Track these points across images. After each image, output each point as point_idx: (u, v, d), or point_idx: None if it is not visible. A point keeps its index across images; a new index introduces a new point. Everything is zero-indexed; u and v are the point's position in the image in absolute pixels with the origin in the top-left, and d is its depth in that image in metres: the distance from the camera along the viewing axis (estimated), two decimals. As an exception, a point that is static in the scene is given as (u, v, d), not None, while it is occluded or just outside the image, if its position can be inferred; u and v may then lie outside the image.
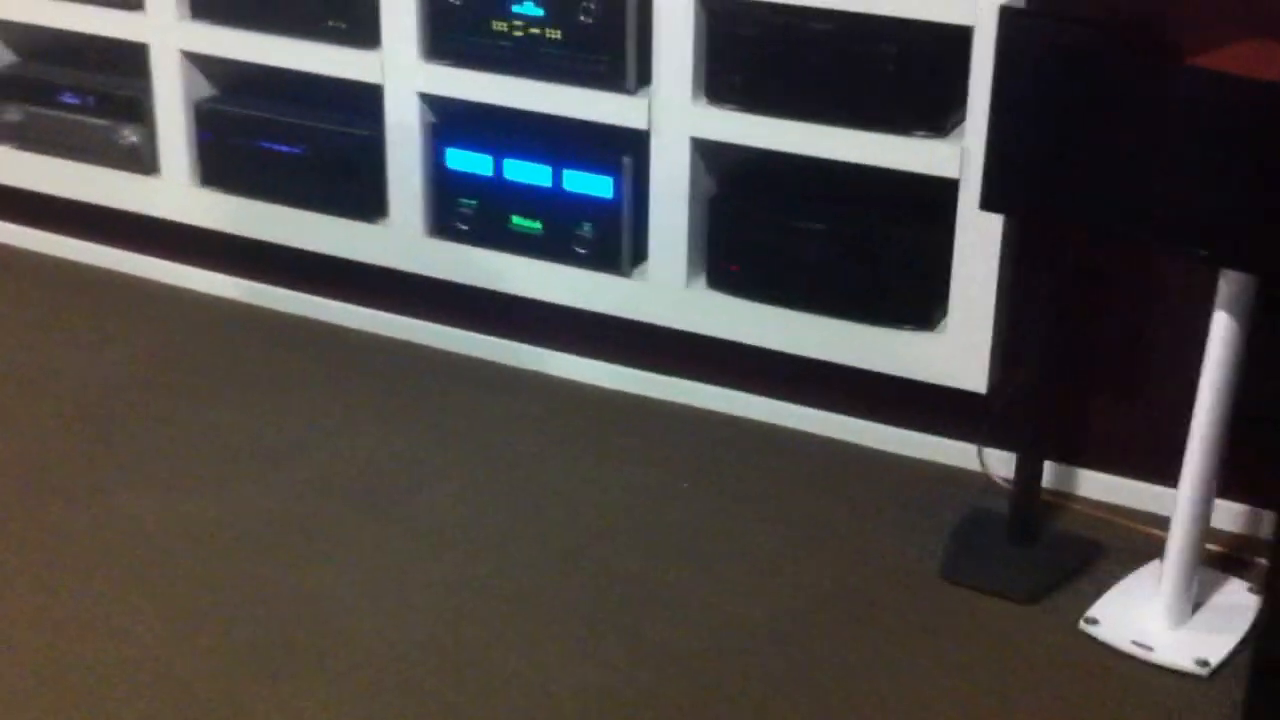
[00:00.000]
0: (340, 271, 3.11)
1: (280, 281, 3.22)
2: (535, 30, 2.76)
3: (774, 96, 2.62)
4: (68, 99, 3.25)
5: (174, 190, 3.21)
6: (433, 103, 2.92)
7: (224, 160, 3.13)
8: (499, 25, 2.79)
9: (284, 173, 3.06)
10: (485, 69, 2.83)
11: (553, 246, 2.87)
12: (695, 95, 2.67)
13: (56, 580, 2.37)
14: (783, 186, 2.76)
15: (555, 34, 2.75)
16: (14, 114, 3.32)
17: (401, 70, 2.88)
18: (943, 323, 2.60)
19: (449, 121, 2.93)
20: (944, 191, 2.53)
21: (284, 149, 3.06)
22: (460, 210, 2.92)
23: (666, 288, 2.79)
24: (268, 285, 3.24)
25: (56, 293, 3.33)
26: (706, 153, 2.74)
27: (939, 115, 2.53)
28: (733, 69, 2.64)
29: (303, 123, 3.03)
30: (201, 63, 3.14)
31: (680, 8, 2.62)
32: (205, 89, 3.18)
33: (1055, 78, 2.15)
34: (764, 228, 2.71)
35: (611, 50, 2.71)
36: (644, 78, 2.73)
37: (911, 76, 2.52)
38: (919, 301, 2.63)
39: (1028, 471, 2.44)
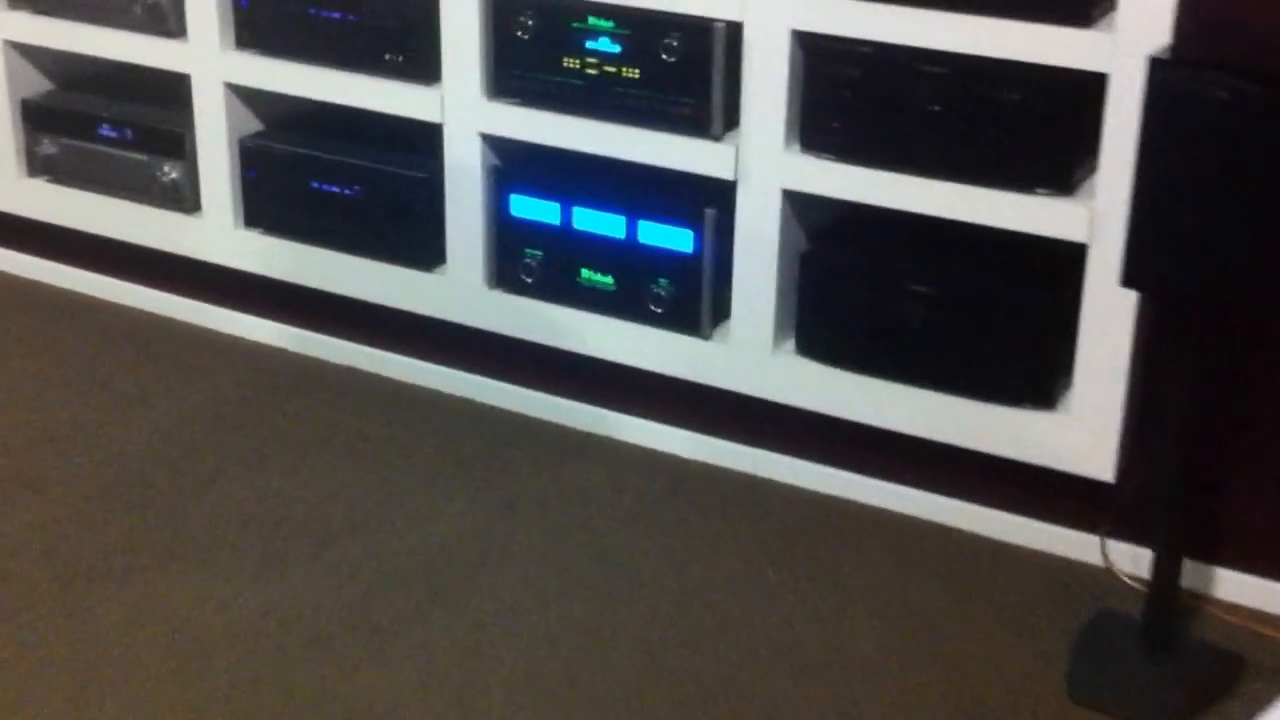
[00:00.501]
0: (395, 322, 2.87)
1: (331, 330, 2.98)
2: (611, 68, 2.50)
3: (877, 146, 2.35)
4: (105, 132, 3.02)
5: (216, 231, 2.97)
6: (496, 144, 2.67)
7: (270, 200, 2.89)
8: (570, 62, 2.53)
9: (334, 216, 2.82)
10: (554, 109, 2.57)
11: (626, 303, 2.61)
12: (788, 143, 2.41)
13: (84, 681, 2.13)
14: (883, 244, 2.50)
15: (633, 72, 2.49)
16: (49, 146, 3.09)
17: (463, 109, 2.63)
18: (1065, 401, 2.33)
19: (514, 165, 2.68)
20: (1069, 255, 2.26)
21: (335, 190, 2.81)
22: (525, 261, 2.67)
23: (750, 352, 2.53)
24: (317, 334, 3.00)
25: (92, 338, 3.10)
26: (799, 205, 2.48)
27: (1065, 172, 2.26)
28: (831, 114, 2.38)
29: (355, 162, 2.79)
30: (247, 96, 2.90)
31: (775, 46, 2.36)
32: (250, 124, 2.93)
33: (1213, 136, 1.88)
34: (862, 289, 2.45)
35: (696, 92, 2.45)
36: (731, 122, 2.47)
37: (1035, 127, 2.26)
38: (1038, 377, 2.36)
39: (1165, 572, 2.17)
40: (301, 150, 2.84)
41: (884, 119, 2.34)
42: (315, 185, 2.83)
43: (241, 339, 3.08)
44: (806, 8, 2.33)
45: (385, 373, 2.94)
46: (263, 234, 2.94)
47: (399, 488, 2.60)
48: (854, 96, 2.36)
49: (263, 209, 2.91)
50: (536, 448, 2.74)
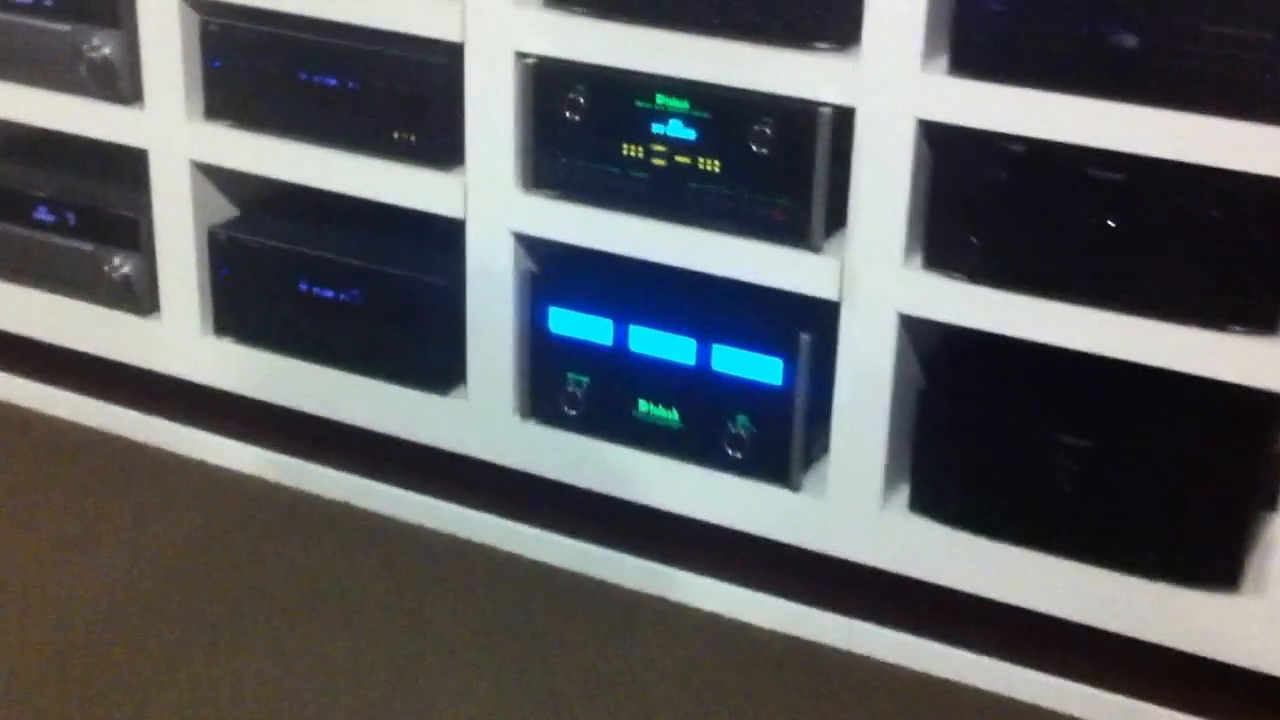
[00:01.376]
0: (402, 452, 2.35)
1: (322, 457, 2.45)
2: (683, 158, 2.00)
3: (1026, 267, 1.88)
4: (43, 215, 2.49)
5: (178, 338, 2.44)
6: (533, 246, 2.16)
7: (245, 304, 2.36)
8: (632, 149, 2.02)
9: (327, 325, 2.30)
10: (609, 206, 2.07)
11: (695, 444, 2.11)
12: (908, 258, 1.92)
13: None
14: (1023, 381, 2.01)
15: (712, 165, 1.98)
16: (-29, 229, 2.55)
17: (492, 202, 2.12)
18: (1254, 582, 1.85)
19: (555, 272, 2.17)
20: (1260, 403, 1.79)
21: (328, 295, 2.29)
22: (567, 388, 2.16)
23: (853, 508, 2.04)
24: (305, 460, 2.46)
25: (26, 463, 2.56)
26: (919, 332, 1.98)
27: (1267, 307, 1.77)
28: (966, 226, 1.89)
29: (355, 262, 2.27)
30: (218, 177, 2.38)
31: (897, 139, 1.88)
32: (222, 210, 2.42)
33: None
34: (997, 437, 1.96)
35: (793, 191, 1.95)
36: (835, 229, 1.96)
37: (1234, 251, 1.77)
38: (1223, 552, 1.87)
39: None
40: (286, 245, 2.32)
41: (1037, 235, 1.86)
42: (304, 287, 2.31)
43: (211, 464, 2.55)
44: (938, 94, 1.85)
45: (388, 510, 2.42)
46: (236, 343, 2.42)
47: (403, 665, 2.10)
48: (998, 205, 1.87)
49: (237, 314, 2.39)
50: (579, 611, 2.24)
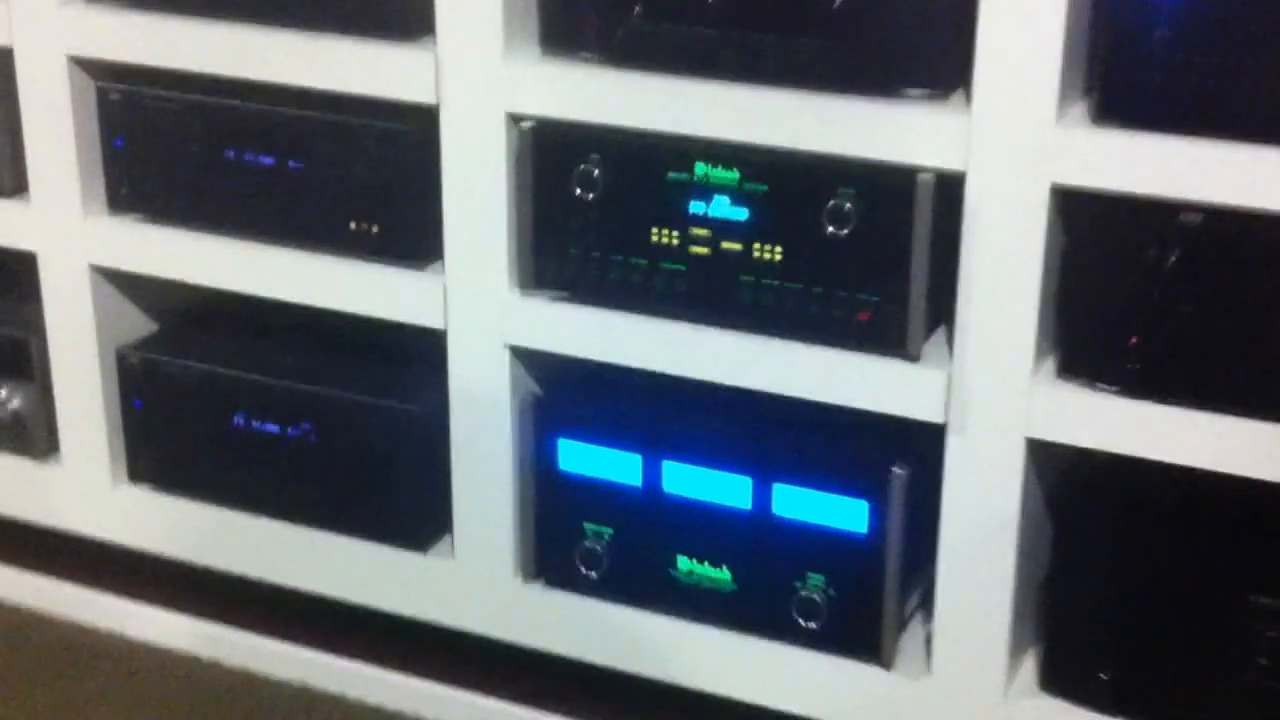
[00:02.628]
0: (378, 622, 1.85)
1: (274, 630, 1.94)
2: (733, 245, 1.52)
3: (1196, 375, 1.39)
4: (-95, 336, 1.97)
5: (84, 487, 1.94)
6: (536, 363, 1.68)
7: (166, 442, 1.87)
8: (663, 236, 1.54)
9: (271, 468, 1.82)
10: (633, 309, 1.59)
11: (754, 612, 1.65)
12: (1037, 366, 1.43)
13: None
14: (1184, 526, 1.53)
15: (771, 253, 1.51)
16: None
17: (479, 307, 1.64)
18: None
19: (565, 394, 1.69)
20: None
21: (271, 430, 1.79)
22: (585, 544, 1.68)
23: (966, 692, 1.57)
24: (250, 633, 1.95)
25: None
26: (1049, 463, 1.50)
27: None
28: (1121, 324, 1.41)
29: (302, 387, 1.77)
30: (127, 284, 1.88)
31: (1018, 208, 1.41)
32: (134, 326, 1.91)
33: None
34: (1158, 598, 1.47)
35: (882, 284, 1.48)
36: (936, 328, 1.48)
37: None
38: None
39: None
40: (215, 368, 1.81)
41: (1218, 336, 1.37)
42: (239, 422, 1.81)
43: (131, 639, 2.03)
44: (1078, 151, 1.37)
45: (354, 694, 1.91)
46: (155, 492, 1.91)
47: None
48: (1166, 295, 1.38)
49: (155, 455, 1.89)
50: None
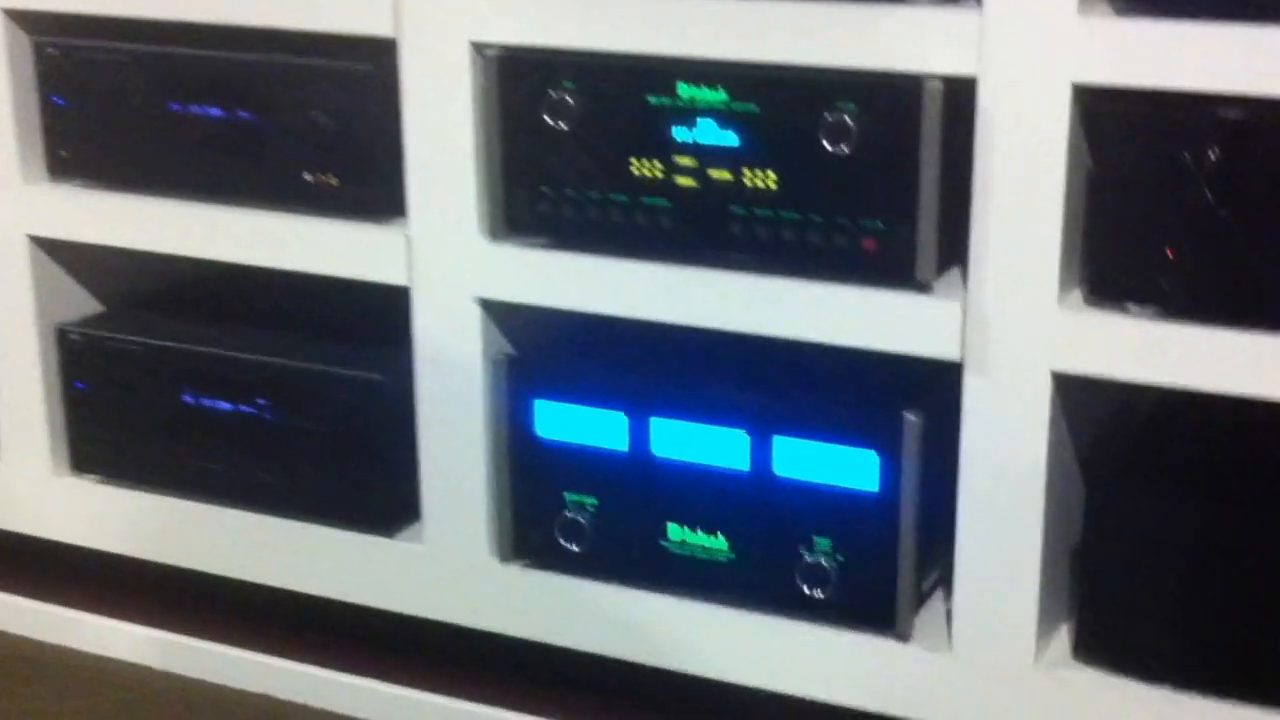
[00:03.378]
0: (341, 621, 1.68)
1: (233, 636, 1.78)
2: (722, 174, 1.38)
3: (1236, 294, 1.24)
4: None
5: (22, 480, 1.79)
6: (509, 318, 1.53)
7: (112, 427, 1.72)
8: (645, 167, 1.40)
9: (224, 450, 1.66)
10: (613, 252, 1.44)
11: (753, 583, 1.49)
12: (1062, 291, 1.29)
13: None
14: (1233, 470, 1.38)
15: (765, 179, 1.36)
16: None
17: (446, 258, 1.50)
18: None
19: (541, 354, 1.53)
20: None
21: (224, 407, 1.64)
22: (565, 515, 1.52)
23: (991, 665, 1.41)
24: (209, 642, 1.79)
25: None
26: (1079, 413, 1.35)
27: None
28: (1155, 240, 1.26)
29: (258, 359, 1.62)
30: (67, 256, 1.73)
31: (1036, 114, 1.27)
32: (76, 303, 1.75)
33: None
34: (1207, 573, 1.33)
35: (889, 208, 1.33)
36: (950, 260, 1.34)
37: None
38: None
39: None
40: (164, 342, 1.66)
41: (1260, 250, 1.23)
42: (189, 399, 1.66)
43: (76, 651, 1.86)
44: (1099, 46, 1.23)
45: (322, 702, 1.75)
46: (102, 483, 1.75)
47: None
48: (1206, 204, 1.24)
49: (100, 443, 1.73)
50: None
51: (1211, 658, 1.35)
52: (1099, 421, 1.46)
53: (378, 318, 1.62)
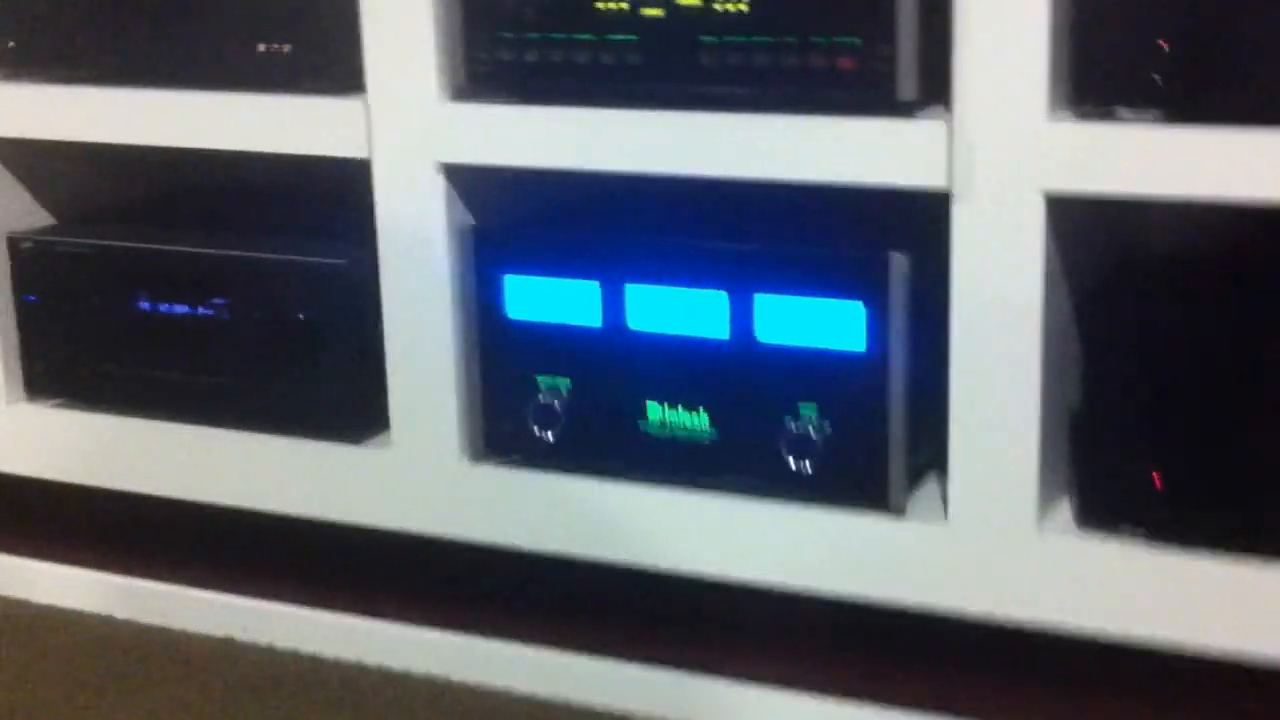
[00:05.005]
0: (308, 547, 1.57)
1: (193, 576, 1.67)
2: (690, 2, 1.27)
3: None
4: None
5: (-23, 410, 1.68)
6: (473, 187, 1.43)
7: (66, 345, 1.61)
8: (610, 2, 1.30)
9: (183, 359, 1.55)
10: (579, 100, 1.34)
11: (737, 462, 1.36)
12: (1052, 102, 1.18)
13: None
14: (1246, 307, 1.26)
15: (735, 4, 1.25)
16: None
17: (405, 122, 1.42)
18: None
19: (508, 222, 1.43)
20: None
21: (181, 310, 1.54)
22: (538, 400, 1.40)
23: (992, 536, 1.27)
24: (170, 584, 1.67)
25: None
26: (1074, 236, 1.25)
27: None
28: (1154, 26, 1.16)
29: (213, 253, 1.52)
30: (13, 157, 1.64)
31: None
32: (27, 214, 1.67)
33: None
34: (1219, 417, 1.20)
35: (865, 23, 1.24)
36: (937, 82, 1.23)
37: None
38: None
39: None
40: (117, 242, 1.57)
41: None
42: (144, 305, 1.56)
43: (39, 604, 1.75)
44: None
45: (288, 643, 1.64)
46: (58, 408, 1.65)
47: None
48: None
49: (56, 363, 1.62)
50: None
51: (1224, 515, 1.23)
52: (1096, 272, 1.34)
53: (343, 211, 1.53)
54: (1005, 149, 1.22)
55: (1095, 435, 1.27)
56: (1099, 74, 1.19)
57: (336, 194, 1.50)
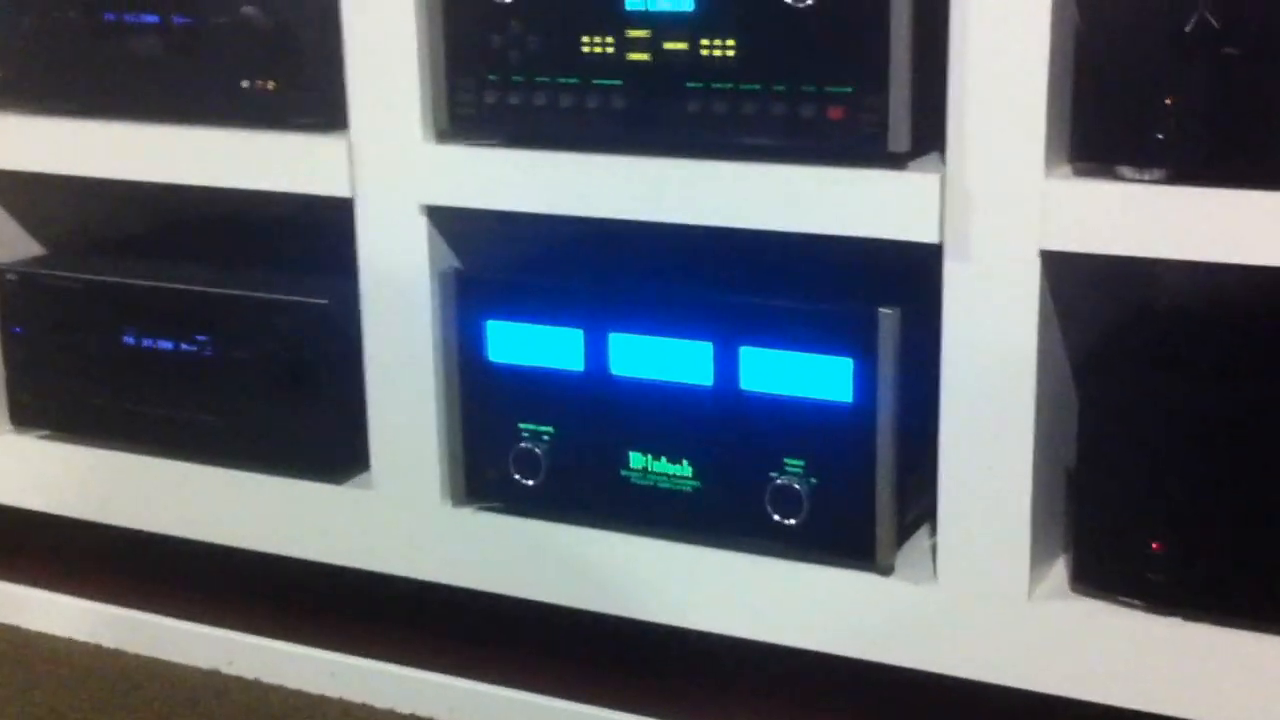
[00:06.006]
0: (291, 584, 1.55)
1: (183, 608, 1.66)
2: (677, 44, 1.26)
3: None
4: None
5: (-38, 441, 1.66)
6: (457, 229, 1.41)
7: (53, 377, 1.58)
8: (596, 44, 1.29)
9: (170, 395, 1.53)
10: (564, 144, 1.31)
11: (721, 514, 1.33)
12: (1049, 159, 1.14)
13: None
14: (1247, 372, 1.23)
15: (723, 48, 1.25)
16: None
17: (389, 163, 1.38)
18: None
19: (492, 267, 1.40)
20: None
21: (165, 346, 1.52)
22: (520, 447, 1.37)
23: (982, 598, 1.24)
24: (158, 615, 1.66)
25: None
26: (1071, 293, 1.21)
27: None
28: (1158, 86, 1.12)
29: (197, 290, 1.49)
30: (7, 194, 1.62)
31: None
32: (19, 246, 1.65)
33: None
34: (1217, 483, 1.16)
35: (856, 72, 1.20)
36: (927, 131, 1.20)
37: None
38: None
39: None
40: (102, 277, 1.55)
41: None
42: (129, 340, 1.53)
43: (29, 631, 1.73)
44: None
45: (274, 679, 1.61)
46: (44, 439, 1.62)
47: None
48: (1208, 40, 1.09)
49: (41, 394, 1.60)
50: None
51: (1221, 584, 1.19)
52: (1092, 326, 1.30)
53: (325, 251, 1.50)
54: (1001, 206, 1.18)
55: (1090, 497, 1.23)
56: (1102, 131, 1.15)
57: (327, 224, 1.47)
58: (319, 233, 1.51)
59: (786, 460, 1.30)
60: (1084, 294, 1.27)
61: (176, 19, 1.47)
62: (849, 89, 1.21)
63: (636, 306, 1.34)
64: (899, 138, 1.20)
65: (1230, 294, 1.30)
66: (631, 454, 1.36)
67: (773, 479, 1.31)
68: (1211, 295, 1.32)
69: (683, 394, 1.33)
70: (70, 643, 1.71)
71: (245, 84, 1.44)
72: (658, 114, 1.28)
